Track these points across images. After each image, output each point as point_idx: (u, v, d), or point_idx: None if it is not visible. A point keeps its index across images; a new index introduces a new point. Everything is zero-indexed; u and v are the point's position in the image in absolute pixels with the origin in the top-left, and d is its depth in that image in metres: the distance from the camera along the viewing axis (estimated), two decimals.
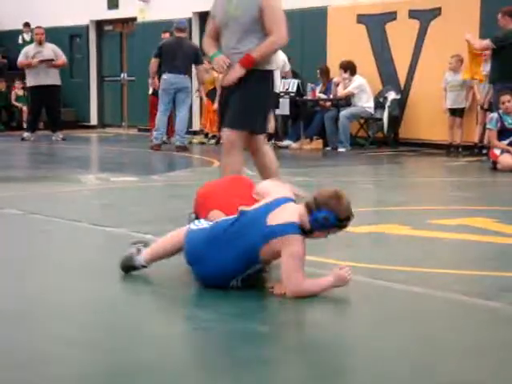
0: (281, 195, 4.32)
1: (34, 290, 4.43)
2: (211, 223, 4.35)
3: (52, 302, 4.17)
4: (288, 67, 14.33)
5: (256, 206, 4.33)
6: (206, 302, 4.15)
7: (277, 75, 13.86)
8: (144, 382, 3.08)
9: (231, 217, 4.34)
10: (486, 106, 12.63)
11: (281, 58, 13.95)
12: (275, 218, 4.14)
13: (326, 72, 14.52)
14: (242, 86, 6.24)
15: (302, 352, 3.49)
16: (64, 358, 3.32)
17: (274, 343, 3.60)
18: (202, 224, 4.37)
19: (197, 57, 13.66)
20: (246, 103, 6.30)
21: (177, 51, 13.47)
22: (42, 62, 15.46)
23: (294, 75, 14.74)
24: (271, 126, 13.98)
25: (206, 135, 15.72)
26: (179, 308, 4.17)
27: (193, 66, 13.79)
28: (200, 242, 4.25)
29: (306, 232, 4.16)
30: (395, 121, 14.01)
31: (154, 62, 13.89)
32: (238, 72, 6.27)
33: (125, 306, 4.14)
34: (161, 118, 13.84)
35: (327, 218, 4.12)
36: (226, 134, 6.37)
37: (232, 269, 4.18)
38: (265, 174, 6.48)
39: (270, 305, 4.19)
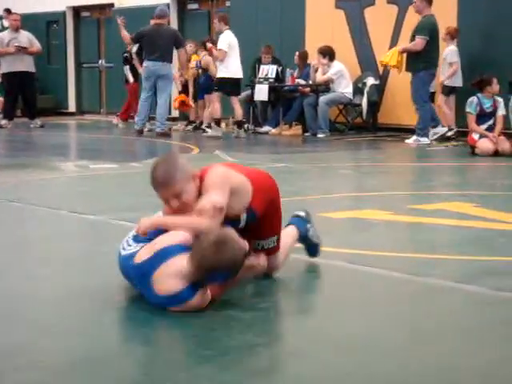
0: (167, 243, 3.69)
1: (11, 278, 4.41)
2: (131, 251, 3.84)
3: (28, 290, 4.15)
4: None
5: (147, 251, 3.73)
6: None
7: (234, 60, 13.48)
8: (118, 368, 3.08)
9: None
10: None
11: (231, 39, 13.51)
12: (160, 283, 3.61)
13: (304, 57, 14.49)
14: None
15: (281, 338, 3.50)
16: (39, 346, 3.31)
17: (255, 329, 3.60)
18: (128, 248, 3.90)
19: (176, 41, 13.63)
20: None
21: (156, 38, 13.45)
22: (18, 47, 15.33)
23: (274, 61, 14.71)
24: (239, 113, 13.79)
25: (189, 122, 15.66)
26: None
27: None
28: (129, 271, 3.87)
29: None
30: (374, 106, 14.02)
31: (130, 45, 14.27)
32: None
33: (101, 294, 4.12)
34: (142, 105, 13.86)
35: (217, 279, 3.65)
36: None
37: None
38: None
39: (248, 292, 4.20)
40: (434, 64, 12.25)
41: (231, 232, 3.66)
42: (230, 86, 13.47)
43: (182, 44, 13.85)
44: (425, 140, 12.35)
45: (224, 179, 3.94)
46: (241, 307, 3.89)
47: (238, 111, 13.75)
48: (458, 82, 12.65)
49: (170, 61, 13.72)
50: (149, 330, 3.54)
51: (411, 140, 12.44)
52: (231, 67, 13.36)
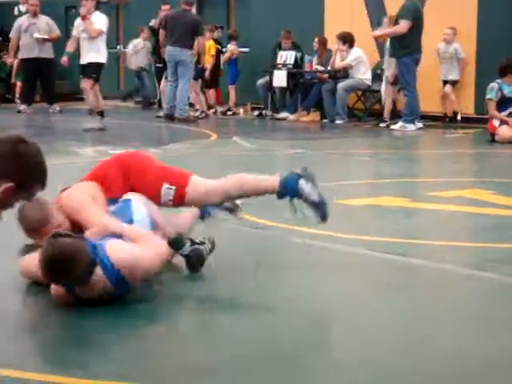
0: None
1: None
2: None
3: None
4: None
5: None
6: None
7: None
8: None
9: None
10: (391, 80, 12.87)
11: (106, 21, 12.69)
12: None
13: (324, 43, 14.44)
14: None
15: (299, 321, 3.51)
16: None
17: (272, 313, 3.61)
18: None
19: (196, 28, 13.60)
20: None
21: (177, 24, 13.49)
22: (37, 39, 15.37)
23: (294, 47, 14.69)
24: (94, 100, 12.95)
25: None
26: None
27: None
28: None
29: None
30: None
31: (161, 34, 14.07)
32: None
33: None
34: (167, 90, 13.93)
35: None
36: None
37: None
38: None
39: (271, 282, 4.21)
40: (416, 49, 12.20)
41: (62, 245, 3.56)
42: (97, 71, 12.59)
43: (200, 33, 13.76)
44: (411, 127, 12.34)
45: (83, 198, 4.09)
46: (262, 297, 3.90)
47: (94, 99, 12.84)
48: None
49: (189, 47, 13.67)
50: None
51: (397, 126, 12.45)
52: (103, 51, 12.50)
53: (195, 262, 4.21)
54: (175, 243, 4.18)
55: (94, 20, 12.31)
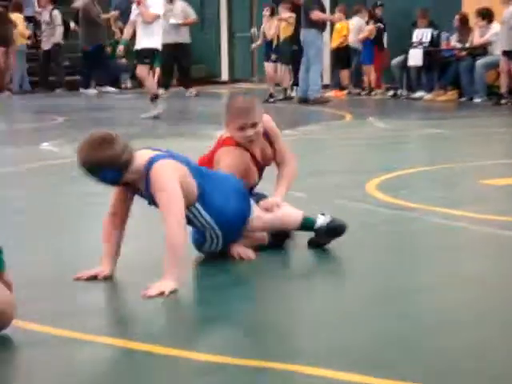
0: None
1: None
2: None
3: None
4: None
5: None
6: None
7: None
8: None
9: None
10: None
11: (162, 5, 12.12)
12: None
13: (464, 20, 14.08)
14: None
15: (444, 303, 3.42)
16: None
17: (415, 297, 3.54)
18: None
19: (306, 5, 13.49)
20: None
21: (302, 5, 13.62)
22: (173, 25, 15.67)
23: (430, 24, 14.39)
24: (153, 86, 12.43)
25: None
26: None
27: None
28: None
29: None
30: None
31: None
32: None
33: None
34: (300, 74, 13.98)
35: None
36: None
37: None
38: None
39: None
40: None
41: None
42: (150, 56, 11.80)
43: (309, 8, 13.43)
44: None
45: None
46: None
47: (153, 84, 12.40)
48: None
49: (311, 26, 13.49)
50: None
51: None
52: (158, 36, 11.78)
53: (339, 227, 4.17)
54: (306, 222, 4.14)
55: (149, 4, 11.64)
